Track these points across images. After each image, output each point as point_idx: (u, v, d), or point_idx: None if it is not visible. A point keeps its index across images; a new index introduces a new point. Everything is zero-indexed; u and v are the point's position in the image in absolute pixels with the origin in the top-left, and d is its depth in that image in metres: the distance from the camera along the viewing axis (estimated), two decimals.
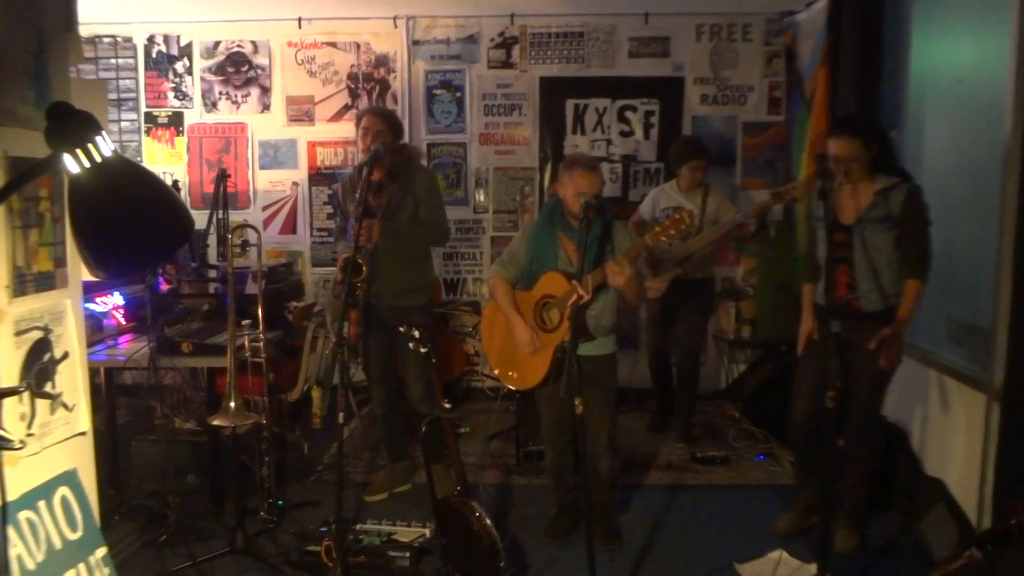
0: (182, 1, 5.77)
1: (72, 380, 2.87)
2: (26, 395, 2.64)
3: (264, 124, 6.26)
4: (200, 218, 4.92)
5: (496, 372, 3.91)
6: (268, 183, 6.31)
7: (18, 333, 2.62)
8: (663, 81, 6.10)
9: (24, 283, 2.66)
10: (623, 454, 4.68)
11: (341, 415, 3.36)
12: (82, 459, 2.95)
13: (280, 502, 4.00)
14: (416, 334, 3.43)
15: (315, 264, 6.36)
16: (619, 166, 6.15)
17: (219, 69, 6.24)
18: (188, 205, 5.51)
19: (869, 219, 3.52)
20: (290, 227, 6.35)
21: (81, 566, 2.79)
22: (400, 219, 4.07)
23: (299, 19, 6.10)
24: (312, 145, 6.26)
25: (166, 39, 6.23)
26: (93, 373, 3.39)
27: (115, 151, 1.51)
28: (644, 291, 3.50)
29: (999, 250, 3.25)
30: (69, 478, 2.83)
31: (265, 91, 6.23)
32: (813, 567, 3.37)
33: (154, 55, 6.25)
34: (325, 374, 5.41)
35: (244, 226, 4.42)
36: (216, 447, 3.98)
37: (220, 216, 5.25)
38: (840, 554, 3.63)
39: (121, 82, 6.26)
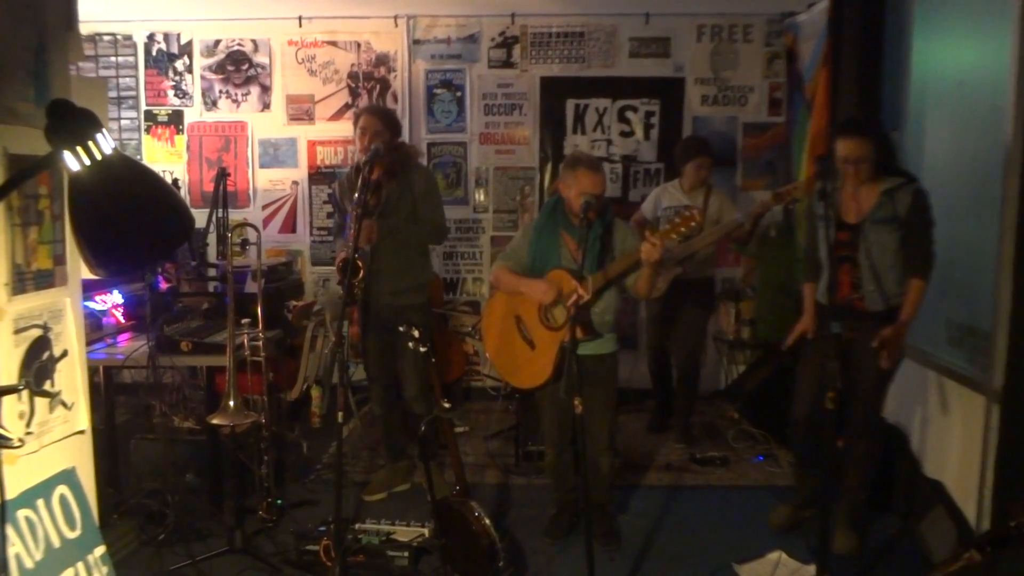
0: None
1: (71, 378, 2.87)
2: (25, 393, 2.64)
3: (264, 123, 6.26)
4: (200, 217, 4.94)
5: (500, 372, 3.91)
6: (268, 182, 6.31)
7: (17, 331, 2.62)
8: (663, 81, 6.09)
9: (23, 281, 2.66)
10: (622, 454, 4.68)
11: (340, 414, 3.36)
12: (81, 458, 2.95)
13: (279, 501, 4.00)
14: (415, 334, 3.43)
15: (315, 263, 6.35)
16: (619, 166, 6.14)
17: (219, 67, 6.23)
18: (188, 204, 5.51)
19: (875, 219, 3.52)
20: (290, 226, 6.34)
21: (80, 565, 2.78)
22: (398, 218, 4.06)
23: (299, 18, 6.10)
24: (312, 144, 6.26)
25: (166, 37, 6.23)
26: (92, 371, 3.38)
27: (115, 149, 1.50)
28: (659, 282, 3.48)
29: (999, 252, 3.25)
30: (68, 477, 2.83)
31: (265, 90, 6.23)
32: (812, 568, 3.37)
33: (154, 53, 6.24)
34: (324, 373, 5.41)
35: (244, 225, 4.41)
36: (215, 446, 3.97)
37: (220, 215, 5.26)
38: (839, 555, 3.63)
39: (121, 80, 6.25)
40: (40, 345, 2.72)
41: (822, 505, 3.08)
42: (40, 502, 2.67)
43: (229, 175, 5.55)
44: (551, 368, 3.54)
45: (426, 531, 3.62)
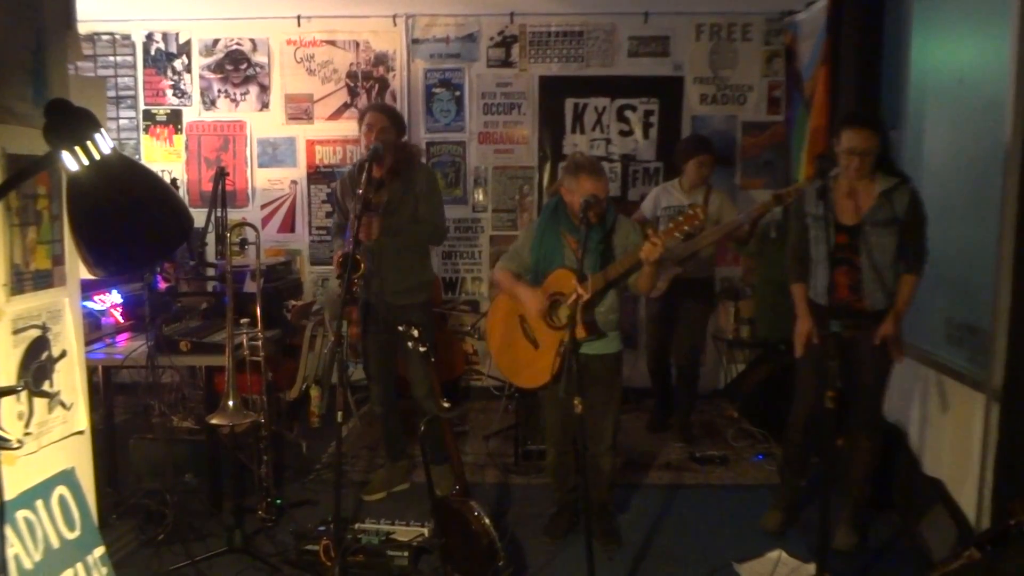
0: None
1: (70, 379, 2.86)
2: (24, 394, 2.63)
3: (263, 122, 6.25)
4: (198, 216, 4.92)
5: (503, 372, 3.91)
6: (267, 181, 6.30)
7: (16, 331, 2.61)
8: (662, 80, 6.09)
9: (22, 281, 2.65)
10: (623, 453, 4.68)
11: (340, 414, 3.36)
12: (80, 458, 2.94)
13: (278, 501, 4.00)
14: (415, 333, 3.42)
15: (314, 262, 6.35)
16: (618, 165, 6.14)
17: (218, 67, 6.23)
18: (186, 203, 5.50)
19: (874, 221, 3.51)
20: (289, 225, 6.34)
21: (79, 565, 2.78)
22: (400, 217, 4.05)
23: (298, 17, 6.09)
24: (311, 143, 6.25)
25: (165, 37, 6.22)
26: (91, 372, 3.38)
27: (113, 149, 1.50)
28: (660, 280, 3.47)
29: (999, 250, 3.25)
30: (67, 477, 2.82)
31: (264, 89, 6.22)
32: (812, 567, 3.37)
33: (153, 53, 6.24)
34: (323, 373, 5.41)
35: (242, 224, 4.41)
36: (214, 446, 3.97)
37: (219, 214, 5.26)
38: (839, 551, 3.64)
39: (119, 80, 6.24)
40: (39, 345, 2.72)
41: (822, 504, 3.08)
42: (39, 503, 2.67)
43: (228, 174, 5.54)
44: (552, 368, 3.54)
45: (426, 531, 3.62)
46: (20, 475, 2.61)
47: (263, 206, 6.31)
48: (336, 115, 6.22)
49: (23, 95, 2.66)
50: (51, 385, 2.77)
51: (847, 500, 3.76)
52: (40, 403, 2.72)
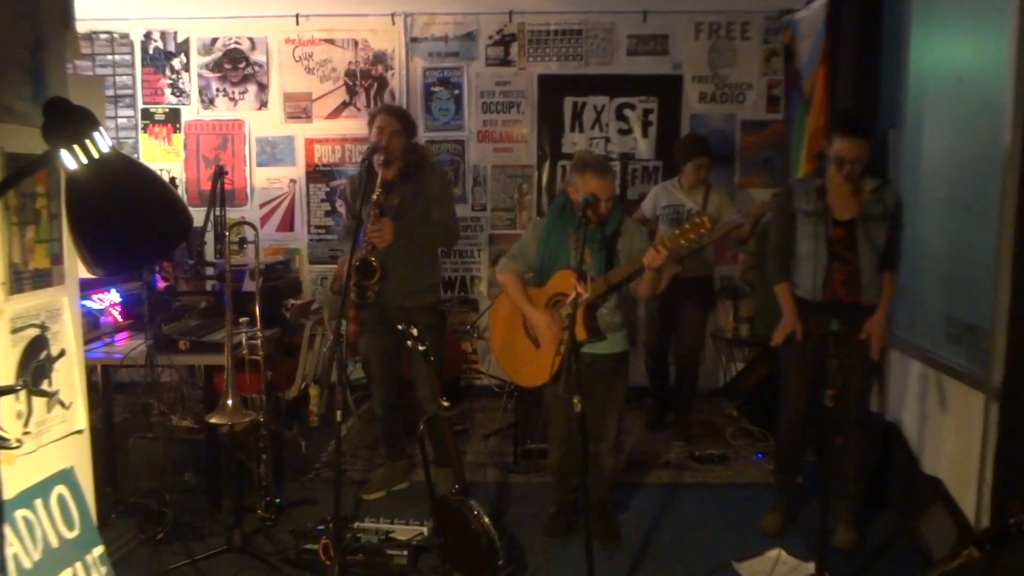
0: None
1: (69, 378, 2.86)
2: (23, 393, 2.63)
3: (261, 121, 6.24)
4: (197, 215, 4.91)
5: (504, 370, 3.91)
6: (265, 180, 6.29)
7: (14, 331, 2.61)
8: (661, 79, 6.09)
9: (21, 280, 2.65)
10: (625, 453, 4.68)
11: (339, 413, 3.35)
12: (79, 457, 2.94)
13: (278, 500, 3.99)
14: (414, 332, 3.42)
15: (313, 261, 6.34)
16: (617, 164, 6.13)
17: (216, 66, 6.22)
18: (185, 202, 5.49)
19: (871, 215, 3.56)
20: (288, 224, 6.33)
21: (78, 565, 2.78)
22: (411, 219, 4.03)
23: (297, 16, 6.09)
24: (310, 142, 6.25)
25: (163, 36, 6.21)
26: (90, 371, 3.38)
27: (112, 147, 1.50)
28: (660, 283, 3.47)
29: (998, 249, 3.25)
30: (66, 476, 2.82)
31: (262, 88, 6.22)
32: (811, 565, 3.37)
33: (151, 52, 6.23)
34: (323, 372, 5.40)
35: (241, 223, 4.40)
36: (213, 445, 3.97)
37: (217, 213, 5.25)
38: (839, 549, 3.64)
39: (118, 79, 6.23)
40: (38, 344, 2.72)
41: (821, 503, 3.08)
42: (38, 502, 2.67)
43: (226, 173, 5.52)
44: (552, 368, 3.53)
45: (425, 530, 3.62)
46: (19, 474, 2.61)
47: (262, 205, 6.30)
48: (335, 114, 6.21)
49: (22, 94, 2.66)
50: (50, 384, 2.77)
51: (845, 499, 3.77)
52: (39, 402, 2.72)
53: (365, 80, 6.18)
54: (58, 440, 2.81)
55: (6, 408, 2.55)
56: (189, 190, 6.28)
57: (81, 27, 3.37)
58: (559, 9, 6.00)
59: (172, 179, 6.20)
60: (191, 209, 1.95)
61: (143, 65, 6.24)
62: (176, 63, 6.23)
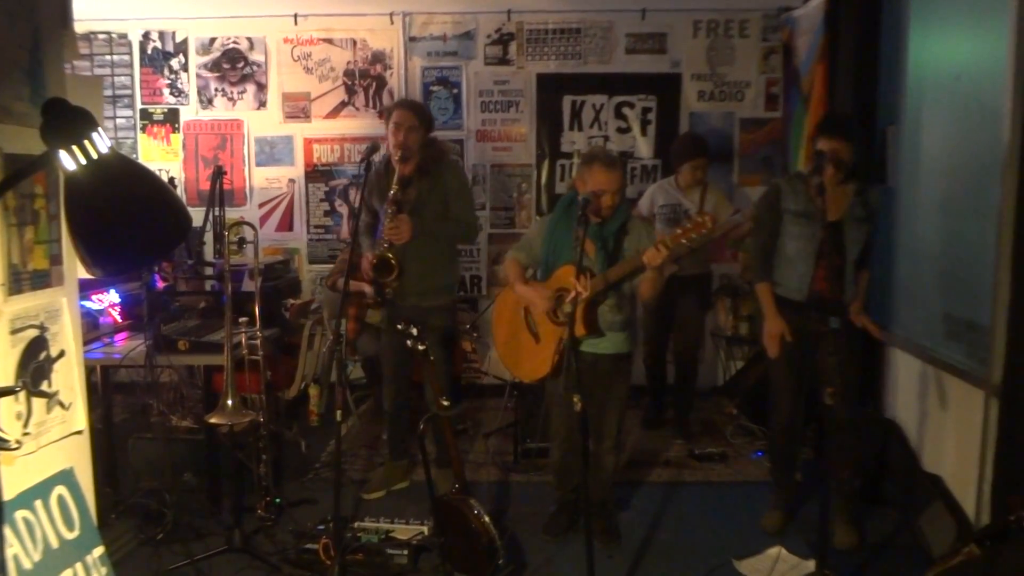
0: None
1: (68, 378, 2.86)
2: (22, 394, 2.63)
3: (260, 121, 6.24)
4: (196, 215, 4.91)
5: (505, 363, 3.91)
6: (264, 180, 6.29)
7: (14, 331, 2.61)
8: (660, 77, 6.08)
9: (20, 281, 2.65)
10: (626, 452, 4.68)
11: (339, 412, 3.35)
12: (79, 458, 2.94)
13: (278, 500, 3.99)
14: (414, 332, 3.42)
15: (312, 261, 6.34)
16: None
17: (215, 66, 6.21)
18: (184, 202, 5.48)
19: (855, 217, 3.61)
20: (287, 224, 6.33)
21: (78, 565, 2.77)
22: (429, 215, 4.01)
23: (295, 15, 6.08)
24: (308, 142, 6.24)
25: (161, 36, 6.21)
26: (89, 371, 3.37)
27: (111, 148, 1.50)
28: (662, 285, 3.47)
29: (997, 246, 3.25)
30: (66, 477, 2.82)
31: (261, 88, 6.21)
32: (811, 564, 3.37)
33: (149, 52, 6.22)
34: (322, 371, 5.40)
35: (240, 223, 4.40)
36: (213, 445, 3.97)
37: (216, 213, 5.25)
38: (841, 549, 3.64)
39: (116, 79, 6.23)
40: (37, 345, 2.71)
41: (821, 501, 3.09)
42: (38, 503, 2.67)
43: (225, 173, 5.52)
44: (551, 362, 3.54)
45: (425, 529, 3.62)
46: (19, 475, 2.61)
47: (261, 205, 6.29)
48: (333, 113, 6.21)
49: (20, 94, 2.65)
50: (49, 385, 2.77)
51: (840, 497, 3.76)
52: (38, 403, 2.71)
53: (364, 80, 6.18)
54: (58, 441, 2.81)
55: (6, 409, 2.55)
56: (188, 190, 6.27)
57: (79, 27, 3.37)
58: (557, 8, 5.99)
59: (171, 179, 6.20)
60: (190, 209, 1.95)
61: (141, 65, 6.23)
62: (174, 63, 6.22)
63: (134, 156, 6.14)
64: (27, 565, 2.55)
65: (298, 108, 6.21)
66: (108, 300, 4.26)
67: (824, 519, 3.09)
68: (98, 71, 6.19)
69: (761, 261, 3.82)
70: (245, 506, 3.87)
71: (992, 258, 3.30)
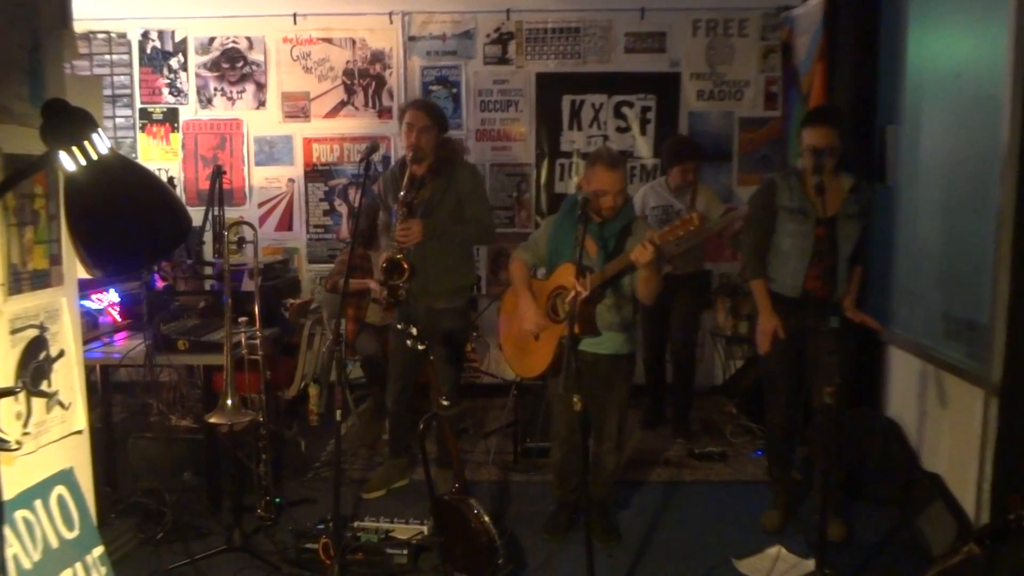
0: None
1: (68, 378, 2.86)
2: (22, 394, 2.63)
3: (259, 120, 6.23)
4: (196, 215, 4.92)
5: (507, 359, 3.93)
6: (264, 180, 6.29)
7: (14, 331, 2.61)
8: (659, 77, 6.08)
9: (19, 281, 2.65)
10: (627, 452, 4.68)
11: (338, 412, 3.35)
12: (78, 457, 2.94)
13: (277, 499, 3.99)
14: (413, 331, 3.41)
15: (311, 260, 6.34)
16: None
17: (214, 65, 6.21)
18: (183, 202, 5.48)
19: (848, 214, 3.60)
20: (286, 224, 6.33)
21: (78, 565, 2.77)
22: (441, 216, 3.99)
23: (294, 15, 6.08)
24: (308, 141, 6.24)
25: (161, 35, 6.20)
26: (89, 371, 3.37)
27: (111, 148, 1.50)
28: (659, 285, 3.46)
29: (997, 244, 3.25)
30: (65, 477, 2.82)
31: (260, 87, 6.21)
32: (811, 563, 3.38)
33: (149, 51, 6.22)
34: (322, 371, 5.40)
35: (240, 223, 4.40)
36: (213, 445, 3.97)
37: (216, 213, 5.25)
38: (838, 545, 3.63)
39: (116, 78, 6.23)
40: (37, 345, 2.71)
41: (820, 499, 3.09)
42: (38, 503, 2.67)
43: (225, 173, 5.53)
44: (549, 359, 3.54)
45: (425, 528, 3.62)
46: (19, 475, 2.61)
47: (260, 204, 6.29)
48: (333, 113, 6.21)
49: (20, 94, 2.65)
50: (49, 385, 2.77)
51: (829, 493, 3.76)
52: (38, 403, 2.71)
53: (363, 79, 6.18)
54: (57, 440, 2.81)
55: (6, 409, 2.55)
56: (187, 190, 6.27)
57: (79, 27, 3.37)
58: (557, 7, 5.99)
59: (170, 179, 6.20)
60: (189, 209, 1.95)
61: (141, 65, 6.23)
62: (174, 62, 6.22)
63: (133, 156, 6.15)
64: (27, 565, 2.55)
65: (297, 108, 6.21)
66: (108, 300, 4.27)
67: (823, 518, 3.09)
68: (97, 71, 6.19)
69: (756, 257, 3.82)
70: (245, 505, 3.87)
71: (992, 257, 3.30)
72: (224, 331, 3.64)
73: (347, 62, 6.16)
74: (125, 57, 6.23)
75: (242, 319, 3.86)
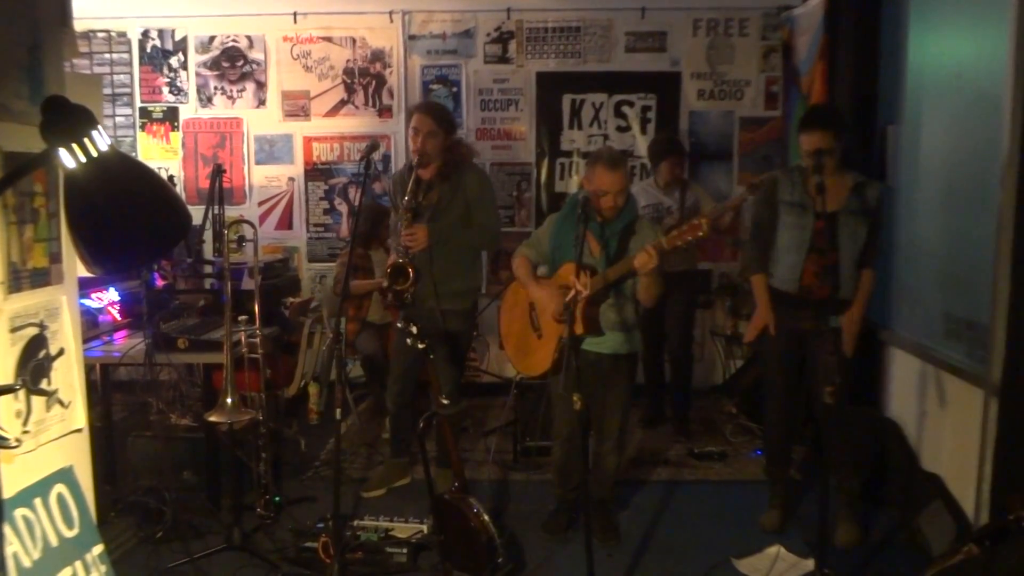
0: None
1: (68, 377, 2.86)
2: (22, 392, 2.63)
3: (260, 119, 6.24)
4: (196, 213, 4.91)
5: (509, 356, 3.93)
6: (264, 178, 6.29)
7: (13, 330, 2.61)
8: (660, 76, 6.08)
9: (19, 279, 2.64)
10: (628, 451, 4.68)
11: (338, 411, 3.35)
12: (78, 456, 2.94)
13: (277, 498, 3.99)
14: (413, 330, 3.41)
15: (311, 259, 6.34)
16: None
17: (214, 64, 6.21)
18: (183, 200, 5.46)
19: (850, 210, 3.57)
20: (286, 222, 6.33)
21: (78, 563, 2.77)
22: (448, 220, 3.98)
23: (294, 14, 6.08)
24: (308, 140, 6.24)
25: (161, 34, 6.20)
26: (89, 369, 3.37)
27: (110, 146, 1.49)
28: (660, 289, 3.46)
29: (997, 244, 3.25)
30: (65, 475, 2.82)
31: (260, 86, 6.21)
32: (810, 562, 3.38)
33: (149, 50, 6.22)
34: (322, 370, 5.40)
35: (240, 222, 4.40)
36: (212, 443, 3.96)
37: (216, 211, 5.25)
38: (842, 547, 3.64)
39: (116, 77, 6.23)
40: (36, 343, 2.71)
41: (820, 499, 3.08)
42: (38, 501, 2.66)
43: (225, 172, 5.52)
44: (551, 358, 3.54)
45: (425, 527, 3.62)
46: (18, 473, 2.60)
47: (260, 203, 6.29)
48: (333, 112, 6.21)
49: (19, 92, 2.65)
50: (49, 383, 2.77)
51: (841, 496, 3.76)
52: (38, 401, 2.71)
53: (363, 78, 6.17)
54: (57, 439, 2.81)
55: (5, 407, 2.55)
56: (187, 188, 6.27)
57: (79, 25, 3.37)
58: (557, 6, 6.00)
59: (170, 177, 6.20)
60: (189, 207, 1.95)
61: (141, 63, 6.23)
62: (174, 61, 6.22)
63: (133, 154, 6.14)
64: (27, 563, 2.55)
65: (297, 106, 6.21)
66: (107, 298, 4.26)
67: (823, 518, 3.09)
68: (97, 69, 6.19)
69: (757, 253, 3.82)
70: (244, 504, 3.87)
71: (992, 257, 3.30)
72: (224, 330, 3.64)
73: (347, 61, 6.16)
74: (125, 56, 6.23)
75: (242, 318, 3.86)
